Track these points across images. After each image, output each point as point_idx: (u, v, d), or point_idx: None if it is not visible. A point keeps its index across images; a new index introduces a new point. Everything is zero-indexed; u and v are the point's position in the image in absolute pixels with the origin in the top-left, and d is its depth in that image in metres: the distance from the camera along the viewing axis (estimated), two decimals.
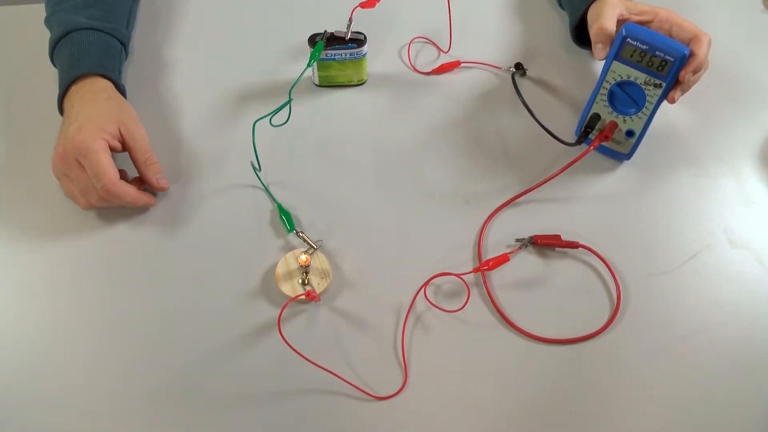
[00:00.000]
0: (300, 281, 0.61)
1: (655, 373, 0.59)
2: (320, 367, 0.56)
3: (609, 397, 0.57)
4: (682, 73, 0.63)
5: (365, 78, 0.77)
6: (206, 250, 0.64)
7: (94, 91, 0.67)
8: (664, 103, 0.66)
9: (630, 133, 0.68)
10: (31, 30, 0.80)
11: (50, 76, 0.76)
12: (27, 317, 0.59)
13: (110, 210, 0.66)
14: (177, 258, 0.63)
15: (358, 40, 0.72)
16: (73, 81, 0.67)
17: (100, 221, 0.65)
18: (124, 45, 0.74)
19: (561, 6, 0.84)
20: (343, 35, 0.71)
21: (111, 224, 0.65)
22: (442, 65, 0.78)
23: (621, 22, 0.69)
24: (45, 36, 0.79)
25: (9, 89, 0.75)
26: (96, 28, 0.70)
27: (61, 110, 0.68)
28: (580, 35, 0.79)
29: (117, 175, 0.62)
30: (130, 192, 0.63)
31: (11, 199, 0.66)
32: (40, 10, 0.79)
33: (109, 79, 0.69)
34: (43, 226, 0.65)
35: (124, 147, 0.65)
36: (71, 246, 0.64)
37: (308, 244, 0.63)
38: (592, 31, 0.69)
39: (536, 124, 0.71)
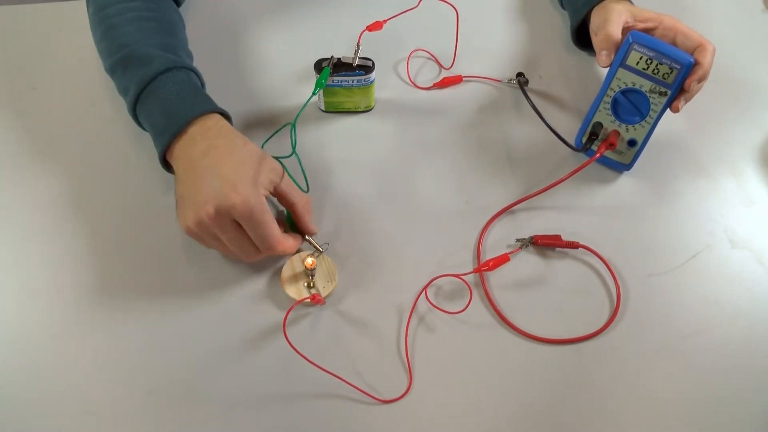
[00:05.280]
0: (305, 284, 0.61)
1: (655, 373, 0.59)
2: (325, 370, 0.56)
3: (610, 397, 0.57)
4: (687, 81, 0.63)
5: (373, 104, 0.75)
6: (212, 252, 0.63)
7: (223, 133, 0.60)
8: (666, 113, 0.66)
9: (632, 143, 0.68)
10: (31, 30, 0.80)
11: (51, 77, 0.76)
12: (27, 317, 0.59)
13: (111, 212, 0.66)
14: (183, 259, 0.63)
15: (366, 67, 0.70)
16: (185, 124, 0.60)
17: (101, 223, 0.65)
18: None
19: (562, 6, 0.84)
20: (350, 61, 0.69)
21: (113, 226, 0.65)
22: (444, 79, 0.78)
23: (626, 29, 0.69)
24: (44, 35, 0.79)
25: (9, 89, 0.75)
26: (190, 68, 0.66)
27: (166, 161, 0.62)
28: (580, 37, 0.79)
29: (281, 232, 0.59)
30: (292, 247, 0.61)
31: (12, 198, 0.66)
32: (39, 10, 0.79)
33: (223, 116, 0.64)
34: (44, 227, 0.65)
35: (275, 194, 0.61)
36: (72, 247, 0.63)
37: (314, 247, 0.63)
38: (598, 37, 0.69)
39: (539, 133, 0.71)
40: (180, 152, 0.60)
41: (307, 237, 0.63)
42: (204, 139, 0.60)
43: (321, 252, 0.63)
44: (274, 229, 0.58)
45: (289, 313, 0.59)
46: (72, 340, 0.58)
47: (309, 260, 0.59)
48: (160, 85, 0.62)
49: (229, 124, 0.62)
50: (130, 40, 0.66)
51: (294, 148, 0.66)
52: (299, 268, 0.62)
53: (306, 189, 0.65)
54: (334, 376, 0.56)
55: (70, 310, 0.60)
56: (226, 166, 0.57)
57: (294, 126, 0.66)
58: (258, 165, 0.58)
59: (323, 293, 0.60)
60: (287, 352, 0.56)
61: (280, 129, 0.69)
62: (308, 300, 0.59)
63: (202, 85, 0.68)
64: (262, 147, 0.68)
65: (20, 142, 0.71)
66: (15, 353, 0.57)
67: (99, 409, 0.55)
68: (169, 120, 0.61)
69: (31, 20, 0.81)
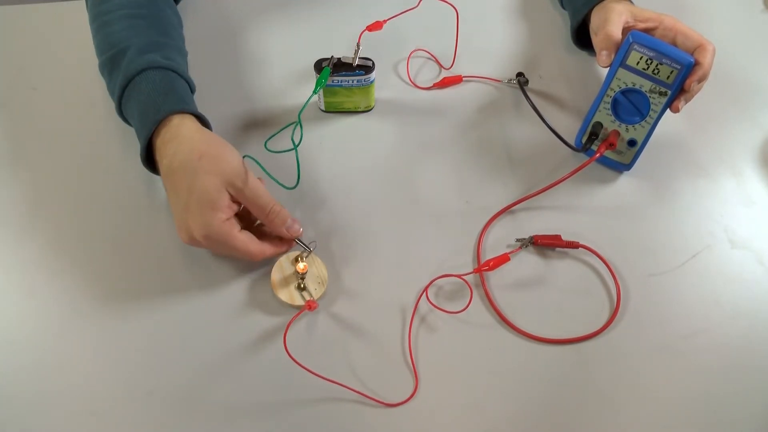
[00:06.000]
0: (296, 286, 0.61)
1: (655, 372, 0.59)
2: (327, 379, 0.56)
3: (610, 397, 0.57)
4: (687, 82, 0.63)
5: (372, 104, 0.75)
6: (208, 254, 0.63)
7: (181, 148, 0.59)
8: (666, 113, 0.66)
9: (632, 143, 0.68)
10: (31, 30, 0.80)
11: (51, 77, 0.76)
12: (28, 317, 0.59)
13: (111, 212, 0.66)
14: (182, 260, 0.63)
15: (366, 67, 0.70)
16: (158, 125, 0.60)
17: (101, 223, 0.65)
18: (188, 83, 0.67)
19: (562, 5, 0.84)
20: (350, 61, 0.69)
21: (113, 226, 0.65)
22: (444, 79, 0.78)
23: (626, 29, 0.69)
24: (44, 35, 0.79)
25: (9, 89, 0.75)
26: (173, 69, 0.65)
27: (149, 158, 0.62)
28: (580, 37, 0.79)
29: (255, 243, 0.59)
30: (275, 251, 0.61)
31: (13, 199, 0.66)
32: (40, 10, 0.79)
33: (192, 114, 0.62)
34: (45, 227, 0.65)
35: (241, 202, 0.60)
36: (72, 247, 0.63)
37: (303, 246, 0.63)
38: (598, 37, 0.69)
39: (539, 133, 0.71)
40: (159, 163, 0.61)
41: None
42: (165, 154, 0.59)
43: (310, 251, 0.62)
44: (246, 246, 0.59)
45: (283, 319, 0.59)
46: (72, 340, 0.58)
47: (301, 265, 0.59)
48: (135, 87, 0.62)
49: (187, 127, 0.60)
50: (118, 39, 0.66)
51: (298, 143, 0.65)
52: (288, 270, 0.61)
53: (296, 184, 0.65)
54: (339, 384, 0.56)
55: (70, 311, 0.60)
56: (183, 191, 0.57)
57: (300, 122, 0.65)
58: (214, 183, 0.57)
59: (315, 295, 0.60)
60: (287, 357, 0.56)
61: (284, 129, 0.69)
62: (303, 307, 0.59)
63: (189, 83, 0.67)
64: (265, 144, 0.68)
65: (20, 142, 0.71)
66: (15, 353, 0.57)
67: (99, 409, 0.55)
68: (142, 124, 0.61)
69: (31, 20, 0.81)
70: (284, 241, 0.62)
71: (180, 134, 0.60)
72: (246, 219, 0.62)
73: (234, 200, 0.59)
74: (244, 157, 0.62)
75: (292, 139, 0.66)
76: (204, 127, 0.62)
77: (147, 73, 0.63)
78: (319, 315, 0.60)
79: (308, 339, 0.59)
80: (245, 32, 0.82)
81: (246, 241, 0.59)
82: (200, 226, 0.57)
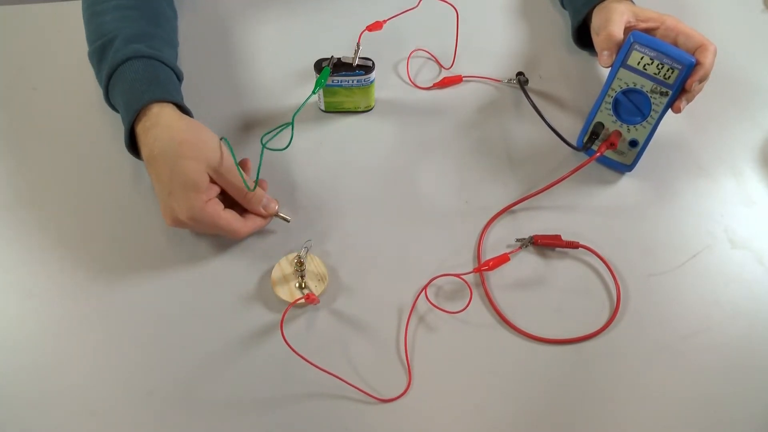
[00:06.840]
0: (297, 285, 0.61)
1: (655, 373, 0.59)
2: (322, 369, 0.56)
3: (610, 397, 0.57)
4: (688, 82, 0.63)
5: (372, 104, 0.75)
6: (206, 254, 0.64)
7: (160, 135, 0.60)
8: (667, 113, 0.66)
9: (633, 143, 0.68)
10: (32, 30, 0.80)
11: (51, 77, 0.76)
12: (27, 317, 0.59)
13: (111, 211, 0.66)
14: (181, 260, 0.63)
15: (366, 67, 0.70)
16: (139, 112, 0.61)
17: (101, 223, 0.65)
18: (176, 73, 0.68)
19: (562, 5, 0.84)
20: (350, 61, 0.69)
21: (113, 225, 0.65)
22: (444, 79, 0.78)
23: (628, 29, 0.69)
24: (44, 35, 0.79)
25: (9, 89, 0.75)
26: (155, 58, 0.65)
27: (133, 143, 0.63)
28: (581, 37, 0.79)
29: (239, 221, 0.61)
30: (258, 226, 0.63)
31: (12, 198, 0.66)
32: (39, 10, 0.79)
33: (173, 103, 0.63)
34: (44, 227, 0.65)
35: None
36: (72, 246, 0.63)
37: (282, 219, 0.63)
38: (600, 37, 0.69)
39: (539, 133, 0.71)
40: (140, 150, 0.62)
41: (279, 213, 0.64)
42: (146, 141, 0.61)
43: (307, 249, 0.62)
44: (231, 224, 0.61)
45: (280, 316, 0.59)
46: (72, 340, 0.58)
47: (301, 259, 0.60)
48: (120, 76, 0.64)
49: (167, 115, 0.62)
50: (108, 29, 0.67)
51: (287, 145, 0.65)
52: (288, 270, 0.62)
53: (253, 188, 0.63)
54: (332, 375, 0.56)
55: (70, 311, 0.60)
56: (165, 177, 0.59)
57: (293, 123, 0.65)
58: (197, 167, 0.59)
59: (315, 293, 0.60)
60: (285, 353, 0.56)
61: (281, 128, 0.69)
62: (302, 300, 0.59)
63: (175, 71, 0.67)
64: (262, 140, 0.68)
65: (20, 142, 0.71)
66: (15, 353, 0.57)
67: (99, 409, 0.55)
68: (125, 112, 0.63)
69: (31, 20, 0.81)
70: (264, 217, 0.64)
71: (160, 122, 0.61)
72: (228, 198, 0.63)
73: (213, 182, 0.61)
74: (221, 139, 0.63)
75: (290, 141, 0.66)
76: (184, 114, 0.63)
77: (131, 62, 0.64)
78: (319, 312, 0.61)
79: (307, 336, 0.59)
80: (245, 32, 0.82)
81: (230, 219, 0.61)
82: (186, 208, 0.59)
